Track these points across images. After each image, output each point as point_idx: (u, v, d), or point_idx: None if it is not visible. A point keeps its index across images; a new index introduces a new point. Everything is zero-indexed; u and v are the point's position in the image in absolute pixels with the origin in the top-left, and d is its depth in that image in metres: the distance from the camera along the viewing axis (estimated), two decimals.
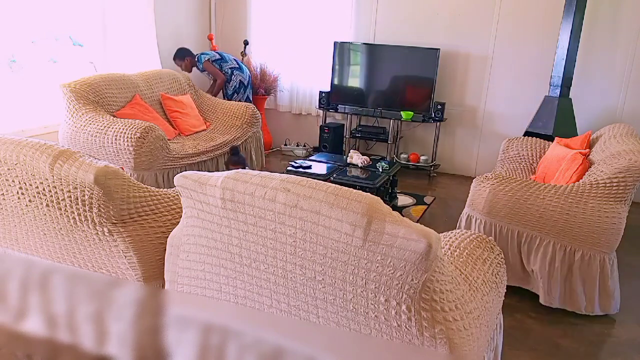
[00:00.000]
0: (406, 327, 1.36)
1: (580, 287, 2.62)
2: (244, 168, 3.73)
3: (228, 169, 3.73)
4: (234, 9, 5.82)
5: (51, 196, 1.83)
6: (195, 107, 4.52)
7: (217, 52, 5.15)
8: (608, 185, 2.56)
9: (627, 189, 2.54)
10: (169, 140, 3.80)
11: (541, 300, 2.70)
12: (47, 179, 1.81)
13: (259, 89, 5.46)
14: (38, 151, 1.81)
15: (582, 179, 2.79)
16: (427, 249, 1.25)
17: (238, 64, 5.17)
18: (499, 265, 1.88)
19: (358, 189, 1.38)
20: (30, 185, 1.85)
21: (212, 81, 5.23)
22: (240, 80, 5.14)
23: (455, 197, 4.50)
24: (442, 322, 1.36)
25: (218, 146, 4.08)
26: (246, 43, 5.63)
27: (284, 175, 1.44)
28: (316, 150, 5.61)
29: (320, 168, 3.81)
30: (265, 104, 5.71)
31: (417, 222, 1.70)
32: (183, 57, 5.04)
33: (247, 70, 5.24)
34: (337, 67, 5.32)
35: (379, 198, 1.35)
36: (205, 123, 4.52)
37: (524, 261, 2.74)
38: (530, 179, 3.11)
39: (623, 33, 4.50)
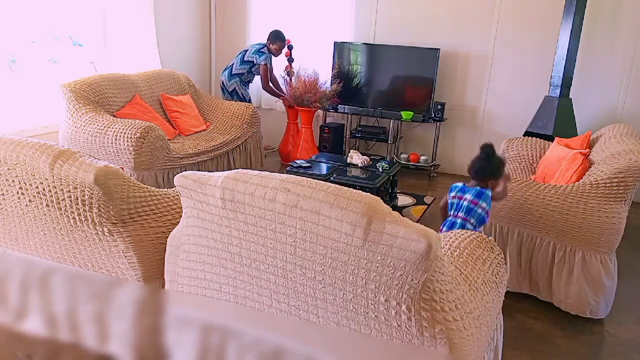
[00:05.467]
0: (406, 327, 1.36)
1: (580, 287, 2.62)
2: None
3: None
4: (234, 9, 5.82)
5: (51, 196, 1.83)
6: (195, 107, 4.52)
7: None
8: (608, 185, 2.56)
9: (627, 189, 2.54)
10: (169, 140, 3.80)
11: (541, 298, 2.70)
12: (47, 179, 1.81)
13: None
14: (38, 151, 1.81)
15: (582, 179, 2.79)
16: (427, 249, 1.25)
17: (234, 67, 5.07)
18: (499, 265, 1.88)
19: (358, 189, 1.38)
20: (30, 185, 1.85)
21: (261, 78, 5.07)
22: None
23: None
24: (442, 322, 1.36)
25: (218, 146, 4.08)
26: (290, 48, 5.31)
27: (284, 175, 1.44)
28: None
29: (320, 168, 3.81)
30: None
31: (417, 222, 1.70)
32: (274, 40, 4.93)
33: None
34: (337, 67, 5.31)
35: (379, 198, 1.35)
36: (205, 123, 4.52)
37: (522, 261, 2.74)
38: (530, 179, 3.11)
39: (623, 33, 4.50)
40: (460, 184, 2.54)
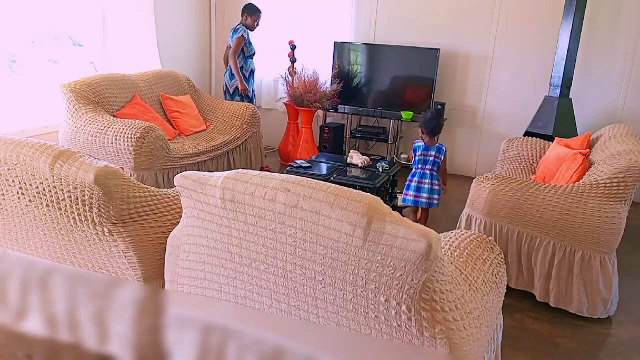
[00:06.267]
0: (406, 327, 1.36)
1: (580, 287, 2.62)
2: None
3: None
4: (233, 8, 5.82)
5: (51, 196, 1.83)
6: (195, 107, 4.52)
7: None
8: (608, 185, 2.56)
9: (627, 189, 2.54)
10: (169, 140, 3.80)
11: (539, 298, 2.70)
12: (47, 179, 1.81)
13: None
14: (38, 151, 1.81)
15: (582, 179, 2.79)
16: (427, 249, 1.25)
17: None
18: (499, 265, 1.88)
19: (358, 189, 1.38)
20: (30, 185, 1.85)
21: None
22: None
23: (455, 197, 4.50)
24: (442, 322, 1.36)
25: (218, 146, 4.08)
26: (293, 48, 5.27)
27: (284, 175, 1.44)
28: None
29: (320, 168, 3.81)
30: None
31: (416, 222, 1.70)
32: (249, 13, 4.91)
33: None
34: (337, 67, 5.31)
35: (379, 198, 1.35)
36: (205, 123, 4.52)
37: (522, 261, 2.74)
38: (530, 179, 3.11)
39: (623, 33, 4.50)
40: (421, 144, 3.37)
